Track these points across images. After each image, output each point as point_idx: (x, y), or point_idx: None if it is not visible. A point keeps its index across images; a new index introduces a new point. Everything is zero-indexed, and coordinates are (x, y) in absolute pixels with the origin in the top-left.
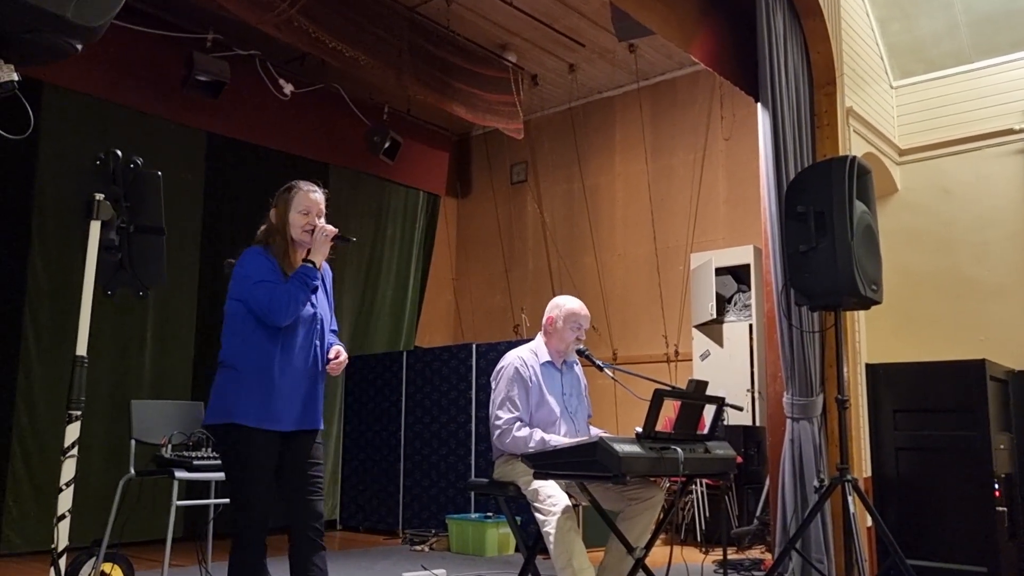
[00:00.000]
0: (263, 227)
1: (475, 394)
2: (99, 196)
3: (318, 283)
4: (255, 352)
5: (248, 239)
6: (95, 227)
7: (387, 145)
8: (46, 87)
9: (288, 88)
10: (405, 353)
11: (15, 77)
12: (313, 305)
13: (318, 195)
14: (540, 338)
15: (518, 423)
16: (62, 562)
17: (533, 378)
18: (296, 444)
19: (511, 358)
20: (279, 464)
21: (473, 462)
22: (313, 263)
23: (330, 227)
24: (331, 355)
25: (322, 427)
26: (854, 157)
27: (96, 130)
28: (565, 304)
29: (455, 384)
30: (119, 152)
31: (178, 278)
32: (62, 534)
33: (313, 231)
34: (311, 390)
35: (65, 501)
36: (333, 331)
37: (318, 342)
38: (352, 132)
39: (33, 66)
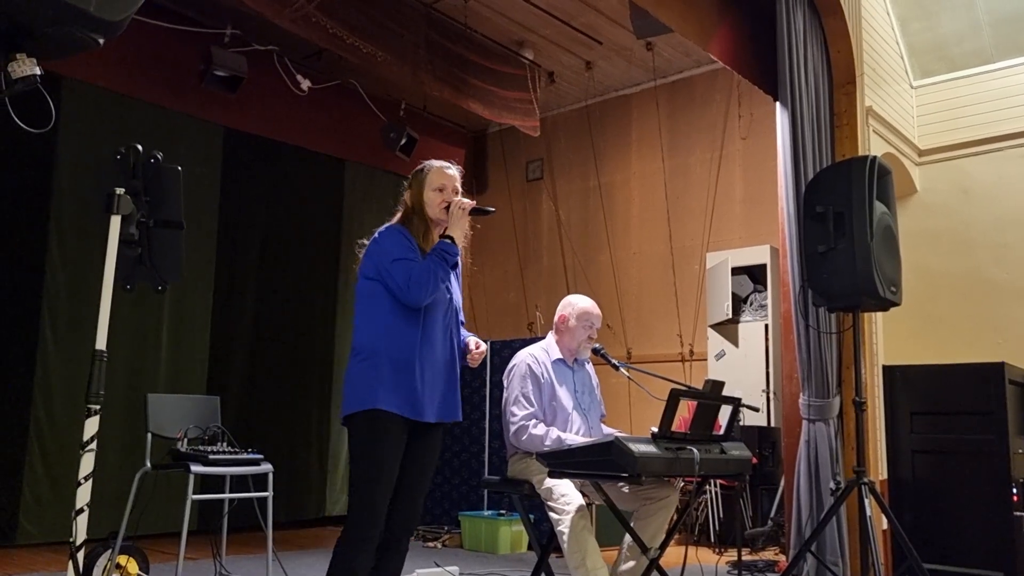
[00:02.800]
0: (397, 213)
1: (489, 391)
2: (119, 191)
3: (457, 259)
4: (395, 337)
5: (264, 233)
6: (115, 221)
7: (403, 142)
8: (65, 81)
9: (305, 84)
10: None
11: (37, 71)
12: (448, 291)
13: (453, 171)
14: (551, 336)
15: (534, 420)
16: (80, 555)
17: (545, 375)
18: (429, 438)
19: (523, 356)
20: (404, 458)
21: (487, 460)
22: (452, 239)
23: (466, 200)
24: (471, 346)
25: (460, 418)
26: (875, 157)
27: (114, 124)
28: (577, 303)
29: (469, 381)
30: (139, 147)
31: (194, 273)
32: (80, 527)
33: (449, 207)
34: (451, 379)
35: (84, 495)
36: (461, 321)
37: (454, 329)
38: (368, 128)
39: (55, 60)
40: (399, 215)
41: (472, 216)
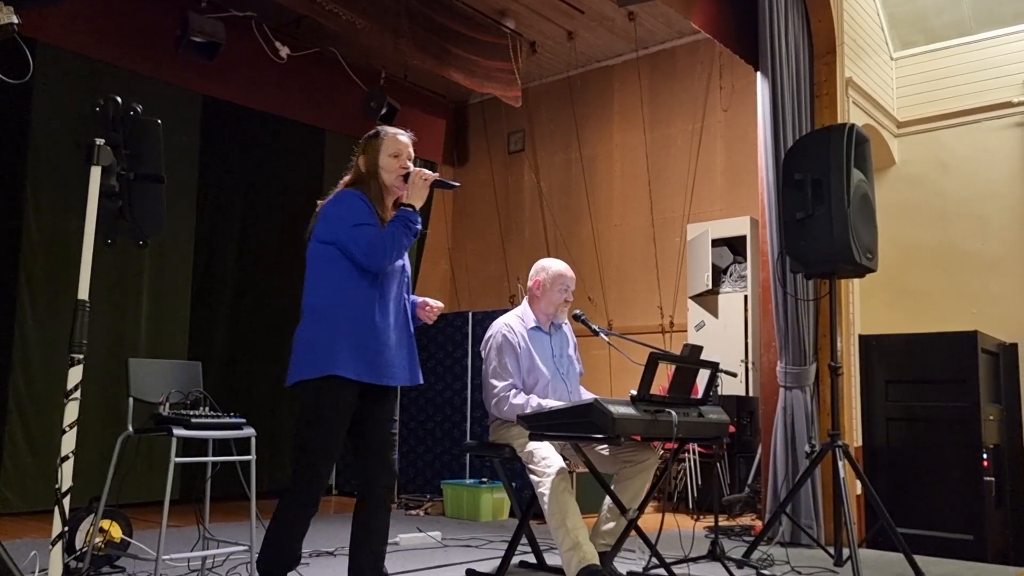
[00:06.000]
0: (347, 178)
1: (471, 361)
2: (100, 141)
3: (419, 227)
4: (351, 300)
5: (244, 201)
6: (95, 172)
7: (384, 111)
8: (39, 45)
9: (284, 51)
10: None
11: (15, 20)
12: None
13: (405, 137)
14: (526, 303)
15: (513, 389)
16: (66, 502)
17: (521, 343)
18: (385, 400)
19: (498, 326)
20: (360, 420)
21: (468, 428)
22: (412, 207)
23: (428, 171)
24: (430, 301)
25: (422, 381)
26: (853, 124)
27: (90, 90)
28: (550, 266)
29: (451, 352)
30: (118, 99)
31: (174, 240)
32: (66, 474)
33: (407, 176)
34: (410, 342)
35: (68, 443)
36: (409, 286)
37: (406, 295)
38: (348, 97)
39: (31, 9)
40: (349, 178)
41: (434, 188)
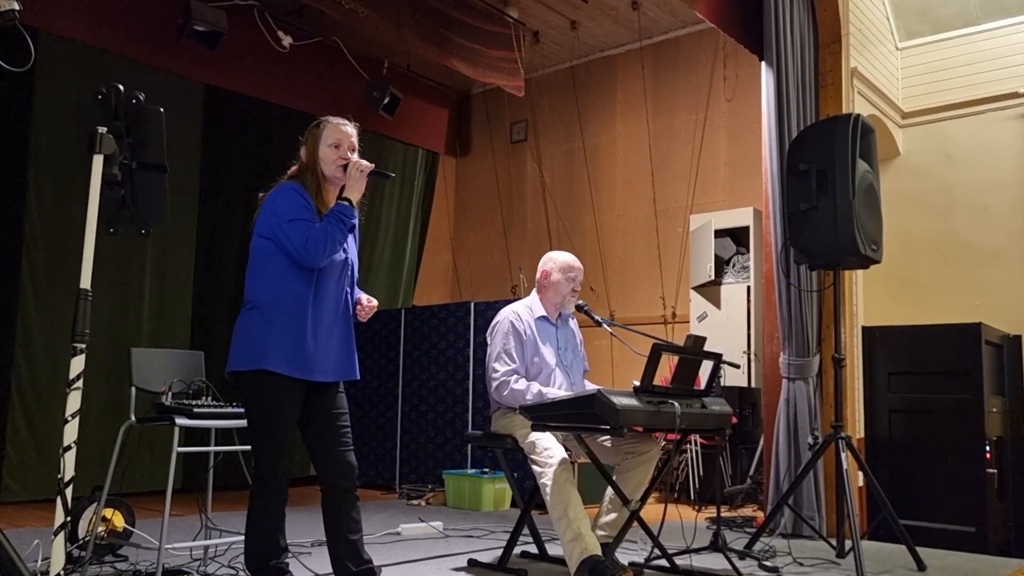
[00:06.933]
0: (293, 167)
1: (473, 352)
2: (102, 129)
3: (355, 221)
4: (288, 295)
5: (246, 192)
6: (97, 160)
7: (386, 101)
8: (42, 34)
9: (287, 40)
10: (403, 311)
11: (16, 6)
12: (344, 250)
13: (349, 128)
14: (534, 294)
15: (515, 375)
16: (69, 492)
17: (528, 331)
18: (327, 395)
19: (506, 313)
20: (306, 416)
21: (470, 419)
22: (349, 201)
23: (365, 162)
24: (362, 300)
25: (358, 377)
26: (858, 115)
27: (93, 79)
28: (558, 257)
29: (453, 342)
30: (121, 87)
31: (176, 229)
32: (68, 465)
33: (347, 167)
34: (345, 338)
35: (71, 433)
36: (355, 279)
37: (348, 289)
38: (351, 87)
39: None
40: (293, 170)
41: (370, 178)
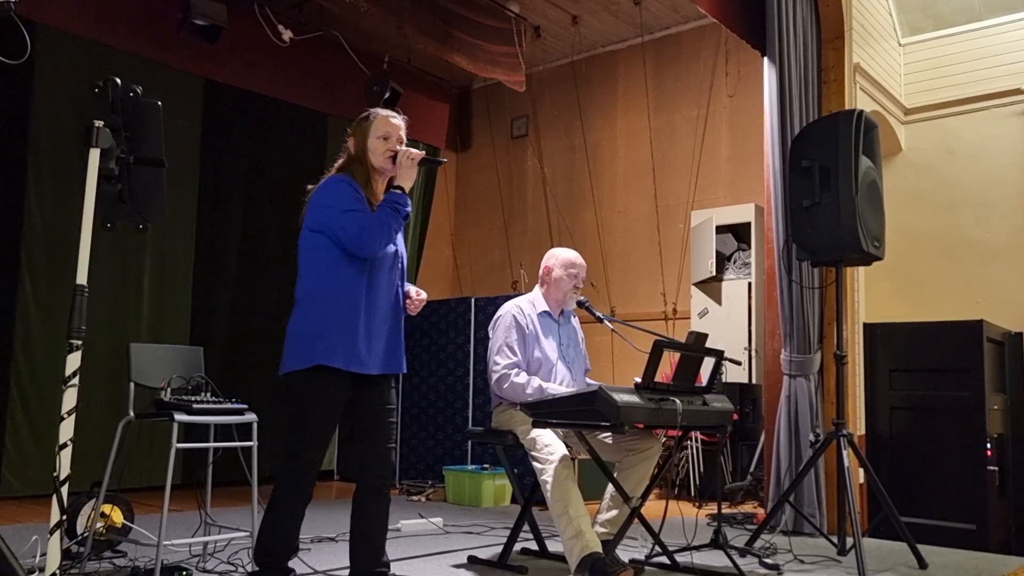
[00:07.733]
0: (340, 159)
1: (473, 347)
2: (98, 123)
3: (409, 209)
4: (341, 288)
5: (246, 186)
6: (94, 155)
7: (387, 95)
8: (40, 28)
9: (287, 35)
10: None
11: None
12: (394, 243)
13: (397, 120)
14: (537, 290)
15: (516, 369)
16: (64, 490)
17: (530, 326)
18: (376, 389)
19: (508, 307)
20: (352, 410)
21: (470, 415)
22: (402, 189)
23: (415, 150)
24: (411, 293)
25: (405, 371)
26: (861, 111)
27: (92, 74)
28: (562, 254)
29: (453, 338)
30: (118, 80)
31: (175, 225)
32: (64, 462)
33: (395, 157)
34: (395, 331)
35: (67, 430)
36: (403, 272)
37: (399, 282)
38: (351, 81)
39: None
40: (341, 162)
41: (422, 167)
